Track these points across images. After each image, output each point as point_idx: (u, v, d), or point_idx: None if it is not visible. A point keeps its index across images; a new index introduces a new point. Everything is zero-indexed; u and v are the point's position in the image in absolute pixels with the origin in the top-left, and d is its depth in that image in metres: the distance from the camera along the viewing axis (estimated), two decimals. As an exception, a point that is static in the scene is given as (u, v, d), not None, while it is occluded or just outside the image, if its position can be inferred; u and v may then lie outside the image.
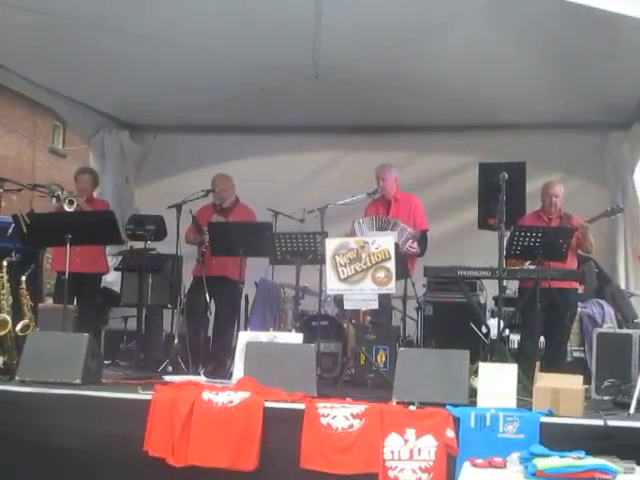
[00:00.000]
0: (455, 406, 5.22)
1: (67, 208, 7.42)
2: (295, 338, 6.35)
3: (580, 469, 4.32)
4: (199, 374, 6.78)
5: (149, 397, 5.59)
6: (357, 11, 6.75)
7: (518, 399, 5.35)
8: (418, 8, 6.60)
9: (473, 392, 5.44)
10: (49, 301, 8.48)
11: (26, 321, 6.66)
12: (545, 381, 5.35)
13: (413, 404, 5.31)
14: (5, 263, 6.66)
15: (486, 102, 8.50)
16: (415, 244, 7.64)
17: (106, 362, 7.25)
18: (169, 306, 8.23)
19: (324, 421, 5.28)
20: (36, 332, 6.60)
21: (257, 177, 9.62)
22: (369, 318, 7.39)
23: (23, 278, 6.78)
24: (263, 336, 6.42)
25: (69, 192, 7.69)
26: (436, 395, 5.38)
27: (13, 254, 6.85)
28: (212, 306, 8.01)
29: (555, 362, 6.94)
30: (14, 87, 10.23)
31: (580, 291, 7.74)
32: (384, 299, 7.06)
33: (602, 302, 8.25)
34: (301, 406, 5.37)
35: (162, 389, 5.76)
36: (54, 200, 7.66)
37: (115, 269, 8.84)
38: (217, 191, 8.14)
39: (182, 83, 8.47)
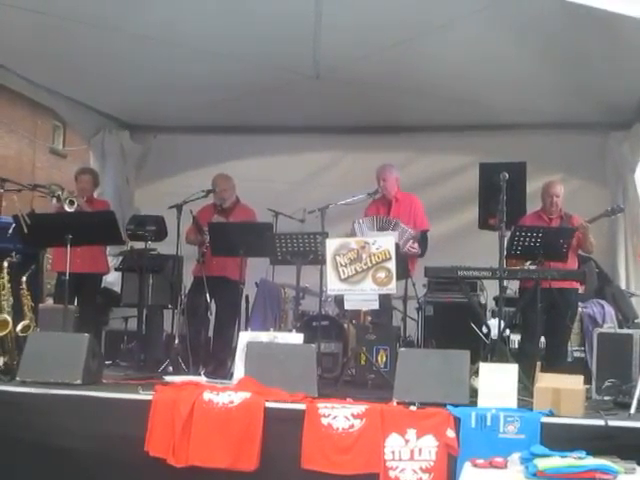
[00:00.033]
0: (456, 406, 5.22)
1: (67, 208, 7.42)
2: (296, 338, 6.35)
3: (581, 469, 4.31)
4: (200, 374, 6.78)
5: (150, 397, 5.58)
6: (357, 11, 6.75)
7: (519, 399, 5.34)
8: (418, 8, 6.60)
9: (474, 392, 5.43)
10: (49, 301, 8.47)
11: (27, 321, 6.66)
12: (546, 381, 5.35)
13: (414, 404, 5.31)
14: (6, 264, 6.67)
15: (486, 102, 8.51)
16: (416, 245, 7.64)
17: (107, 362, 7.25)
18: (169, 306, 8.23)
19: (325, 421, 5.28)
20: (36, 332, 6.61)
21: (257, 177, 9.62)
22: (370, 318, 7.39)
23: (24, 279, 6.78)
24: (264, 336, 6.41)
25: (69, 192, 7.69)
26: (437, 395, 5.38)
27: (14, 254, 6.84)
28: (213, 306, 8.00)
29: (555, 362, 6.94)
30: (14, 87, 10.24)
31: (581, 291, 7.74)
32: (385, 299, 7.05)
33: (603, 302, 8.26)
34: (302, 406, 5.37)
35: (163, 389, 5.76)
36: (54, 200, 7.66)
37: (115, 269, 8.84)
38: (218, 191, 8.13)
39: (182, 83, 8.48)
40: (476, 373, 5.53)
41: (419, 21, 6.86)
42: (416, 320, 8.18)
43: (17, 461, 5.66)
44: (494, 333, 6.88)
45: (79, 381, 5.94)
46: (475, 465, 4.57)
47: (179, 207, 7.73)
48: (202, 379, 6.40)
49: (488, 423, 5.06)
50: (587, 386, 5.70)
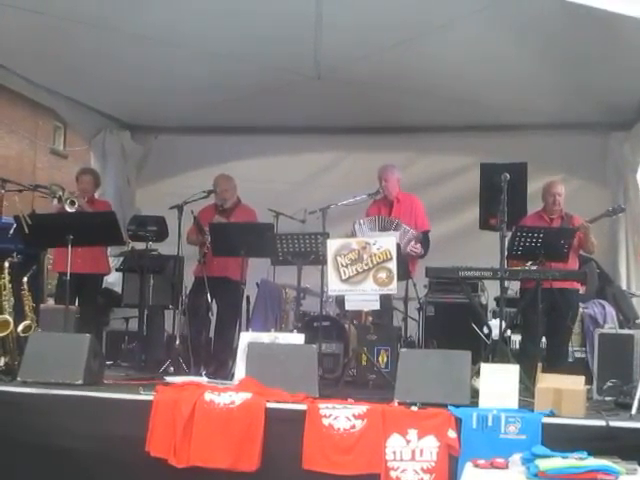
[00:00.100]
0: (457, 407, 5.22)
1: (68, 209, 7.43)
2: (296, 339, 6.35)
3: (582, 470, 4.31)
4: (201, 375, 6.78)
5: (151, 398, 5.58)
6: (357, 11, 6.76)
7: (520, 400, 5.34)
8: (418, 8, 6.60)
9: (475, 393, 5.43)
10: (50, 302, 8.47)
11: (28, 322, 6.66)
12: (547, 382, 5.35)
13: (415, 405, 5.31)
14: (7, 264, 6.67)
15: (487, 102, 8.51)
16: (418, 245, 7.64)
17: (107, 363, 7.23)
18: (170, 307, 8.25)
19: (326, 422, 5.28)
20: (37, 333, 6.61)
21: (258, 178, 9.62)
22: (370, 319, 7.40)
23: (25, 279, 6.79)
24: (265, 337, 6.42)
25: (70, 193, 7.70)
26: (438, 396, 5.37)
27: (15, 255, 6.84)
28: (214, 307, 8.00)
29: (556, 362, 6.94)
30: (15, 87, 10.27)
31: (581, 291, 7.73)
32: (385, 300, 7.06)
33: (603, 302, 8.25)
34: (303, 407, 5.37)
35: (164, 390, 5.76)
36: (55, 201, 7.66)
37: (116, 270, 8.85)
38: (219, 192, 8.14)
39: (183, 84, 8.48)
40: (477, 373, 5.52)
41: (419, 21, 6.86)
42: (417, 320, 8.18)
43: (18, 461, 5.66)
44: (495, 333, 6.88)
45: (80, 381, 5.94)
46: (476, 466, 4.56)
47: (180, 207, 7.73)
48: (203, 379, 6.40)
49: (489, 424, 5.06)
50: (588, 387, 5.70)
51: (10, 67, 8.33)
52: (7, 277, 6.64)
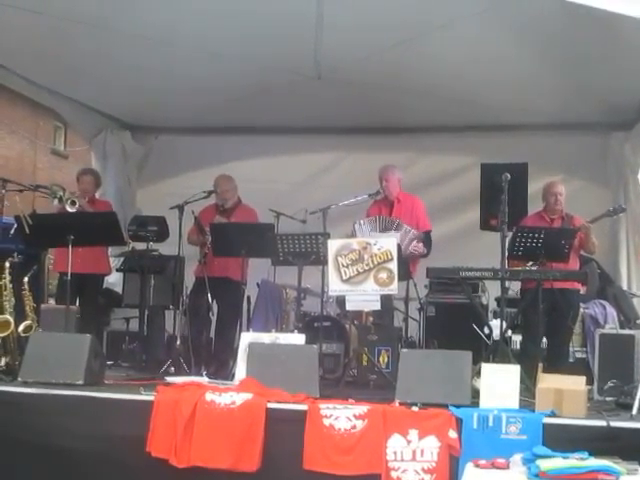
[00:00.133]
0: (458, 407, 5.22)
1: (69, 209, 7.44)
2: (297, 339, 6.35)
3: (583, 470, 4.31)
4: (201, 375, 6.78)
5: (152, 398, 5.59)
6: (358, 12, 6.76)
7: (521, 400, 5.34)
8: (418, 9, 6.61)
9: (475, 393, 5.43)
10: (52, 302, 8.47)
11: (28, 322, 6.67)
12: (548, 382, 5.35)
13: (416, 405, 5.31)
14: (7, 264, 6.67)
15: (487, 103, 8.51)
16: (420, 244, 7.62)
17: (108, 363, 7.23)
18: (171, 307, 8.24)
19: (327, 422, 5.28)
20: (38, 333, 6.62)
21: (259, 178, 9.61)
22: (371, 319, 7.39)
23: (25, 279, 6.80)
24: (265, 337, 6.42)
25: (71, 193, 7.71)
26: (438, 396, 5.37)
27: (15, 255, 6.84)
28: (214, 307, 8.00)
29: (557, 363, 6.94)
30: (15, 88, 10.27)
31: (582, 292, 7.73)
32: (386, 300, 7.05)
33: (604, 303, 8.25)
34: (303, 407, 5.37)
35: (165, 390, 5.76)
36: (56, 201, 7.66)
37: (117, 270, 8.85)
38: (219, 192, 8.13)
39: (183, 84, 8.48)
40: (478, 374, 5.52)
41: (419, 21, 6.86)
42: (418, 321, 8.18)
43: (18, 462, 5.66)
44: (496, 334, 6.89)
45: (81, 382, 5.94)
46: (477, 466, 4.57)
47: (181, 208, 7.73)
48: (204, 380, 6.40)
49: (490, 424, 5.06)
50: (589, 387, 5.70)
51: (10, 67, 8.34)
52: (8, 277, 6.65)
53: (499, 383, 5.35)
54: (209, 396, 5.51)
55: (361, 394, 5.97)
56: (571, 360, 7.68)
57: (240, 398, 5.46)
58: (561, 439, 4.88)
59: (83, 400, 5.72)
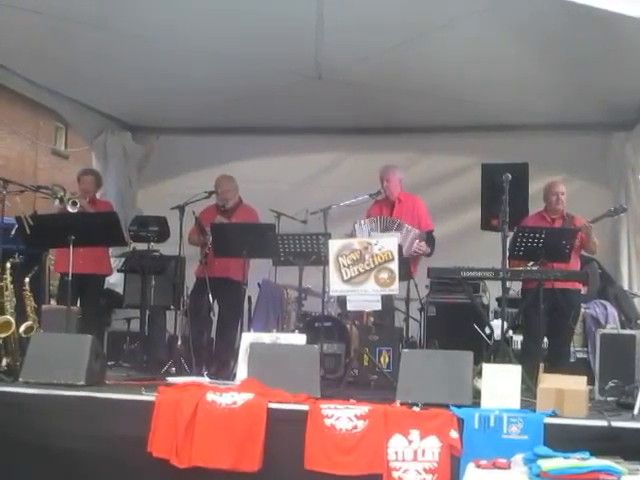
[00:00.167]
0: (459, 407, 5.22)
1: (70, 209, 7.44)
2: (298, 339, 6.36)
3: (584, 470, 4.31)
4: (202, 375, 6.79)
5: (153, 398, 5.59)
6: (358, 12, 6.75)
7: (522, 400, 5.34)
8: (418, 9, 6.60)
9: (477, 393, 5.43)
10: (54, 303, 8.47)
11: (29, 322, 6.67)
12: (549, 382, 5.35)
13: (417, 405, 5.31)
14: (8, 265, 6.67)
15: (488, 103, 8.51)
16: (423, 244, 7.60)
17: (109, 363, 7.23)
18: (172, 307, 8.24)
19: (328, 422, 5.28)
20: (39, 333, 6.62)
21: (259, 178, 9.60)
22: (372, 319, 7.40)
23: (27, 280, 6.80)
24: (266, 337, 6.43)
25: (72, 193, 7.71)
26: (440, 396, 5.38)
27: (16, 256, 6.84)
28: (215, 307, 8.00)
29: (558, 363, 6.94)
30: (16, 88, 10.29)
31: (583, 292, 7.73)
32: (387, 300, 7.04)
33: (605, 303, 8.25)
34: (305, 407, 5.37)
35: (166, 390, 5.76)
36: (57, 202, 7.66)
37: (118, 270, 8.84)
38: (220, 192, 8.13)
39: (184, 84, 8.48)
40: (479, 374, 5.53)
41: (419, 22, 6.86)
42: (418, 321, 8.18)
43: (19, 462, 5.67)
44: (497, 334, 6.88)
45: (82, 382, 5.94)
46: (478, 466, 4.57)
47: (181, 208, 7.73)
48: (205, 380, 6.41)
49: (491, 424, 5.06)
50: (590, 387, 5.69)
51: (11, 67, 8.34)
52: (9, 278, 6.64)
53: (500, 383, 5.35)
54: (210, 396, 5.52)
55: (362, 394, 5.98)
56: (572, 360, 7.68)
57: (241, 398, 5.46)
58: (562, 439, 4.88)
59: (84, 400, 5.72)
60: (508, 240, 6.55)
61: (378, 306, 6.62)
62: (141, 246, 8.31)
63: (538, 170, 8.58)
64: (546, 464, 4.37)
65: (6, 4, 6.61)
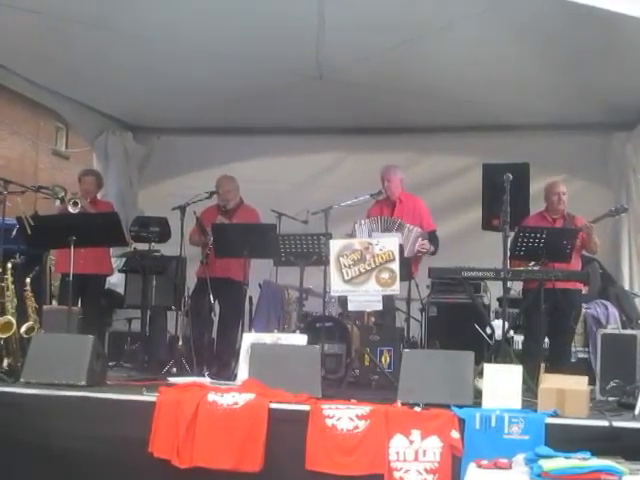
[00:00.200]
0: (460, 407, 5.22)
1: (71, 209, 7.45)
2: (299, 339, 6.36)
3: (586, 470, 4.31)
4: (204, 375, 6.79)
5: (154, 399, 5.59)
6: (359, 12, 6.75)
7: (523, 400, 5.34)
8: (419, 10, 6.61)
9: (478, 393, 5.43)
10: (55, 303, 8.48)
11: (31, 323, 6.67)
12: (550, 382, 5.35)
13: (418, 405, 5.31)
14: (9, 265, 6.67)
15: (488, 103, 8.51)
16: (426, 242, 7.59)
17: (110, 364, 7.23)
18: (173, 308, 8.24)
19: (329, 422, 5.28)
20: (40, 334, 6.62)
21: (260, 178, 9.60)
22: (373, 319, 7.40)
23: (28, 280, 6.79)
24: (267, 337, 6.43)
25: (73, 194, 7.71)
26: (441, 396, 5.38)
27: (17, 256, 6.85)
28: (216, 307, 8.00)
29: (559, 363, 6.95)
30: (16, 88, 10.28)
31: (584, 292, 7.73)
32: (388, 300, 7.05)
33: (606, 303, 8.24)
34: (306, 407, 5.37)
35: (167, 391, 5.76)
36: (58, 202, 7.67)
37: (119, 271, 8.85)
38: (221, 192, 8.14)
39: (185, 84, 8.48)
40: (480, 374, 5.53)
41: (419, 23, 6.86)
42: (419, 321, 8.18)
43: (20, 463, 5.67)
44: (498, 334, 6.87)
45: (83, 382, 5.94)
46: (479, 466, 4.56)
47: (182, 208, 7.73)
48: (206, 380, 6.40)
49: (492, 424, 5.06)
50: (591, 387, 5.69)
51: (11, 68, 8.34)
52: (10, 278, 6.64)
53: (501, 383, 5.35)
54: (211, 397, 5.52)
55: (363, 394, 5.98)
56: (573, 360, 7.69)
57: (242, 399, 5.46)
58: (563, 439, 4.88)
59: (85, 401, 5.72)
60: (509, 240, 6.55)
61: (379, 306, 6.62)
62: (142, 246, 8.30)
63: (539, 170, 8.58)
64: (547, 464, 4.36)
65: (6, 4, 6.61)
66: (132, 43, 7.45)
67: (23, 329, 6.54)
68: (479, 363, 5.78)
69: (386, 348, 7.26)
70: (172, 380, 6.49)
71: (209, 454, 5.35)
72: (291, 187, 9.97)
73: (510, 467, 4.54)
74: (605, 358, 6.38)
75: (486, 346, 7.14)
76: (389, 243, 6.50)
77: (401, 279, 6.55)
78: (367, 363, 7.11)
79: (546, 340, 7.32)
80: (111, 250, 8.65)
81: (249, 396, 5.48)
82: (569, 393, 5.19)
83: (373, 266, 6.41)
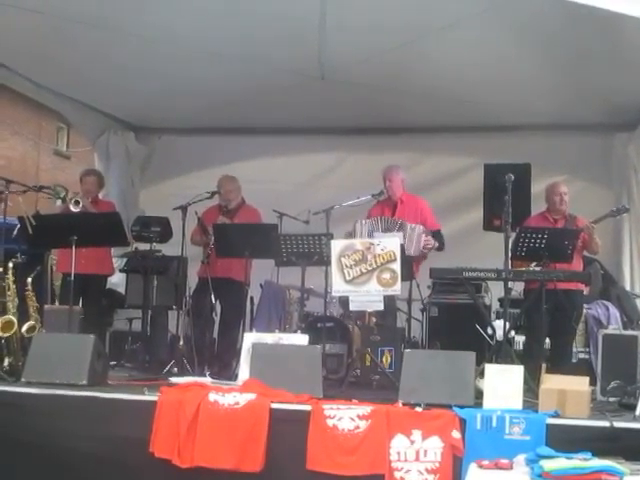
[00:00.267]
0: (461, 407, 5.22)
1: (73, 208, 7.45)
2: (300, 339, 6.36)
3: (587, 470, 4.31)
4: (205, 375, 6.78)
5: (155, 398, 5.59)
6: (360, 13, 6.76)
7: (524, 400, 5.34)
8: (419, 10, 6.61)
9: (479, 393, 5.43)
10: (56, 303, 8.48)
11: (32, 322, 6.66)
12: (551, 382, 5.35)
13: (419, 405, 5.31)
14: (11, 265, 6.67)
15: (489, 103, 8.50)
16: (430, 237, 7.59)
17: (111, 363, 7.24)
18: (174, 307, 8.23)
19: (330, 422, 5.28)
20: (42, 333, 6.62)
21: (261, 178, 9.60)
22: (374, 319, 7.40)
23: (29, 280, 6.79)
24: (268, 337, 6.43)
25: (74, 194, 7.72)
26: (442, 396, 5.38)
27: (19, 256, 6.85)
28: (217, 307, 8.00)
29: (560, 363, 6.95)
30: (18, 88, 10.27)
31: (585, 292, 7.73)
32: (389, 300, 7.05)
33: (607, 303, 8.24)
34: (307, 407, 5.37)
35: (168, 390, 5.76)
36: (59, 202, 7.67)
37: (120, 270, 8.85)
38: (223, 192, 8.14)
39: (187, 85, 8.48)
40: (481, 374, 5.53)
41: (420, 23, 6.86)
42: (421, 321, 8.17)
43: (20, 462, 5.67)
44: (499, 334, 6.87)
45: (84, 382, 5.94)
46: (481, 466, 4.57)
47: (184, 208, 7.73)
48: (207, 380, 6.40)
49: (493, 424, 5.06)
50: (592, 387, 5.69)
51: (13, 68, 8.33)
52: (11, 278, 6.64)
53: (502, 384, 5.35)
54: (212, 396, 5.52)
55: (364, 394, 5.98)
56: (574, 361, 7.69)
57: (243, 398, 5.47)
58: (564, 440, 4.88)
59: (86, 400, 5.73)
60: (510, 241, 6.55)
61: (380, 306, 6.61)
62: (143, 246, 8.30)
63: (540, 171, 8.57)
64: (548, 464, 4.37)
65: (8, 4, 6.62)
66: (132, 43, 7.45)
67: (24, 328, 6.54)
68: (480, 363, 5.78)
69: (387, 348, 7.25)
70: (173, 380, 6.49)
71: (210, 454, 5.35)
72: (292, 187, 9.97)
73: (511, 467, 4.54)
74: (606, 359, 6.38)
75: (487, 346, 7.13)
76: (390, 243, 6.50)
77: (402, 279, 6.55)
78: (368, 363, 7.10)
79: (547, 340, 7.33)
80: (112, 250, 8.64)
81: (250, 396, 5.48)
82: (570, 393, 5.19)
83: (374, 266, 6.41)
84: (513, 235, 6.69)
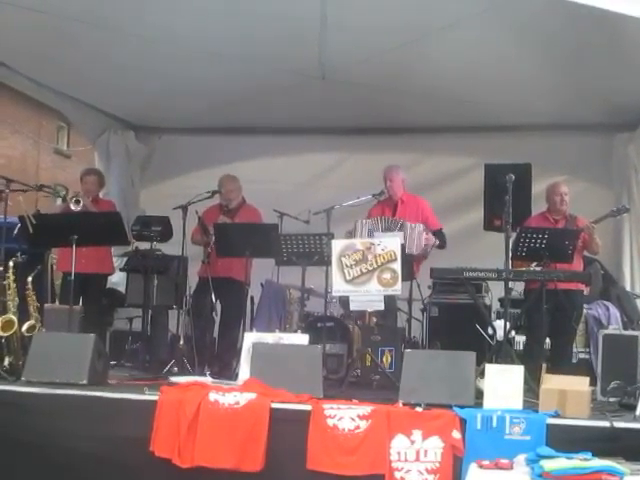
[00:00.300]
0: (461, 407, 5.22)
1: (73, 207, 7.46)
2: (301, 339, 6.36)
3: (587, 470, 4.31)
4: (205, 375, 6.78)
5: (155, 398, 5.59)
6: (360, 13, 6.76)
7: (524, 400, 5.34)
8: (419, 10, 6.61)
9: (479, 393, 5.43)
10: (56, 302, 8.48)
11: (32, 322, 6.67)
12: (552, 382, 5.35)
13: (419, 405, 5.31)
14: (11, 264, 6.67)
15: (489, 103, 8.50)
16: (430, 235, 7.58)
17: (111, 363, 7.23)
18: (174, 307, 8.23)
19: (330, 422, 5.28)
20: (42, 333, 6.62)
21: (262, 178, 9.60)
22: (375, 319, 7.40)
23: (29, 279, 6.80)
24: (269, 337, 6.43)
25: (75, 193, 7.72)
26: (442, 396, 5.38)
27: (19, 255, 6.85)
28: (218, 307, 8.00)
29: (560, 363, 6.95)
30: (18, 87, 10.26)
31: (585, 292, 7.73)
32: (390, 300, 7.05)
33: (607, 304, 8.24)
34: (307, 407, 5.37)
35: (168, 390, 5.76)
36: (59, 201, 7.68)
37: (120, 270, 8.84)
38: (223, 192, 8.14)
39: (187, 84, 8.49)
40: (482, 374, 5.53)
41: (420, 24, 6.87)
42: (421, 321, 8.17)
43: (20, 462, 5.66)
44: (499, 334, 6.87)
45: (84, 381, 5.94)
46: (481, 466, 4.57)
47: (184, 208, 7.73)
48: (207, 380, 6.40)
49: (494, 424, 5.06)
50: (592, 388, 5.70)
51: (14, 67, 8.33)
52: (12, 277, 6.64)
53: (503, 384, 5.35)
54: (213, 396, 5.52)
55: (364, 394, 5.98)
56: (574, 361, 7.69)
57: (244, 398, 5.47)
58: (564, 440, 4.88)
59: (87, 400, 5.72)
60: (511, 241, 6.55)
61: (381, 306, 6.62)
62: (144, 246, 8.30)
63: (540, 171, 8.57)
64: (548, 464, 4.37)
65: (8, 2, 6.62)
66: (132, 43, 7.46)
67: (24, 328, 6.54)
68: (480, 363, 5.78)
69: (387, 348, 7.24)
70: (173, 379, 6.49)
71: (210, 453, 5.35)
72: (293, 187, 9.97)
73: (511, 467, 4.54)
74: (606, 359, 6.38)
75: (487, 346, 7.14)
76: (391, 243, 6.50)
77: (403, 279, 6.55)
78: (368, 363, 7.10)
79: (547, 340, 7.33)
80: (112, 249, 8.65)
81: (250, 396, 5.48)
82: (570, 394, 5.19)
83: (375, 266, 6.41)
84: (513, 235, 6.69)
